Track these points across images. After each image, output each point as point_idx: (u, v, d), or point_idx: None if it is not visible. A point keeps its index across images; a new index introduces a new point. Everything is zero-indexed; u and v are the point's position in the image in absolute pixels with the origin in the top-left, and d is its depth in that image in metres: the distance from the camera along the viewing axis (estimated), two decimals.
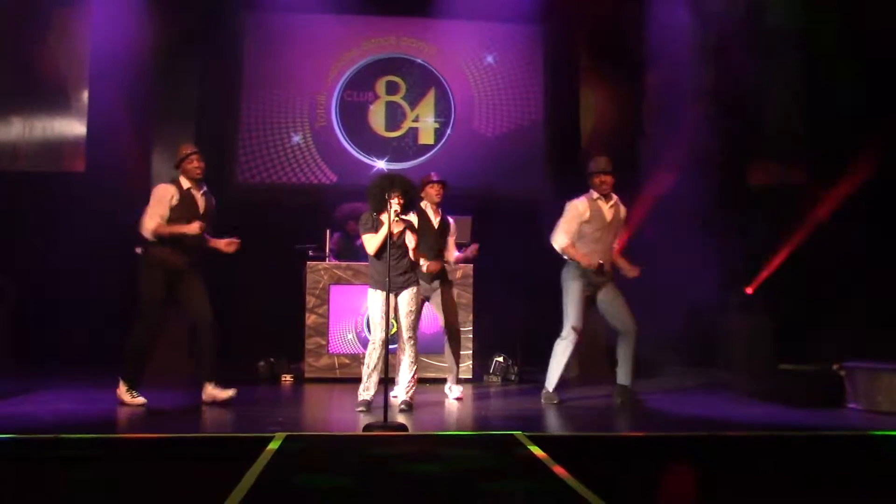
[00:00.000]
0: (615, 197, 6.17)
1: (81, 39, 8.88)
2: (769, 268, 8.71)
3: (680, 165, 8.89)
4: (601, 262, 5.97)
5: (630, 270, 6.12)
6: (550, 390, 6.14)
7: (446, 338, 6.42)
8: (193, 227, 5.74)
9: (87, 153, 8.78)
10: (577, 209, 6.07)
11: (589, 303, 6.12)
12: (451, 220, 6.55)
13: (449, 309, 6.41)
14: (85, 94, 8.85)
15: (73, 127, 8.84)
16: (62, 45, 8.84)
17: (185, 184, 5.89)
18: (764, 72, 8.91)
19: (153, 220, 5.73)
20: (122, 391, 5.76)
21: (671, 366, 8.57)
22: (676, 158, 8.94)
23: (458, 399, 6.35)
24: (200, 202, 5.94)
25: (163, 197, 5.80)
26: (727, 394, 6.81)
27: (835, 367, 6.20)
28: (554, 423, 5.43)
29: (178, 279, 5.83)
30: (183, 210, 5.81)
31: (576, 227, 6.06)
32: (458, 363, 6.49)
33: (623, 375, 6.10)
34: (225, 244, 6.01)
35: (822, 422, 5.33)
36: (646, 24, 9.24)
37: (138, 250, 5.85)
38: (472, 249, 6.65)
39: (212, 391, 5.83)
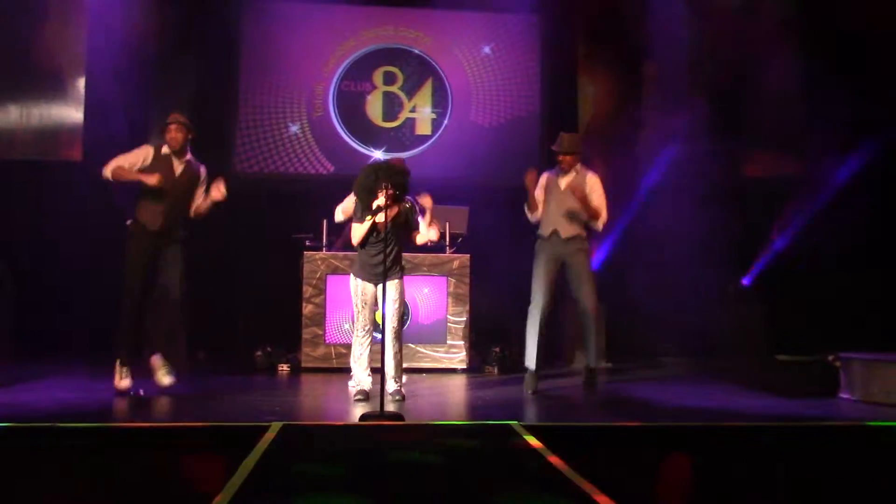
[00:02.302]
0: (579, 170, 6.28)
1: (78, 27, 8.85)
2: (765, 258, 8.73)
3: (677, 155, 8.90)
4: (555, 229, 6.18)
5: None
6: (531, 368, 6.17)
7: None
8: (152, 179, 5.68)
9: (84, 141, 8.76)
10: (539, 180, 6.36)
11: (556, 274, 6.23)
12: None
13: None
14: (82, 82, 8.82)
15: (70, 115, 8.82)
16: (59, 32, 8.81)
17: (166, 150, 5.90)
18: (761, 60, 8.90)
19: (115, 162, 5.74)
20: (115, 371, 5.76)
21: (668, 356, 8.61)
22: (673, 148, 8.95)
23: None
24: (177, 169, 5.90)
25: (138, 152, 5.84)
26: (723, 384, 6.82)
27: (830, 357, 6.21)
28: (550, 414, 5.45)
29: (159, 252, 5.83)
30: (155, 172, 5.77)
31: (539, 196, 6.31)
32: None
33: (588, 358, 6.29)
34: (214, 192, 5.91)
35: (818, 412, 5.35)
36: (643, 13, 9.22)
37: (129, 222, 5.90)
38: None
39: (156, 364, 5.83)
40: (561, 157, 6.27)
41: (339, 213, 6.30)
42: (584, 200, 6.12)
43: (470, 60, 9.77)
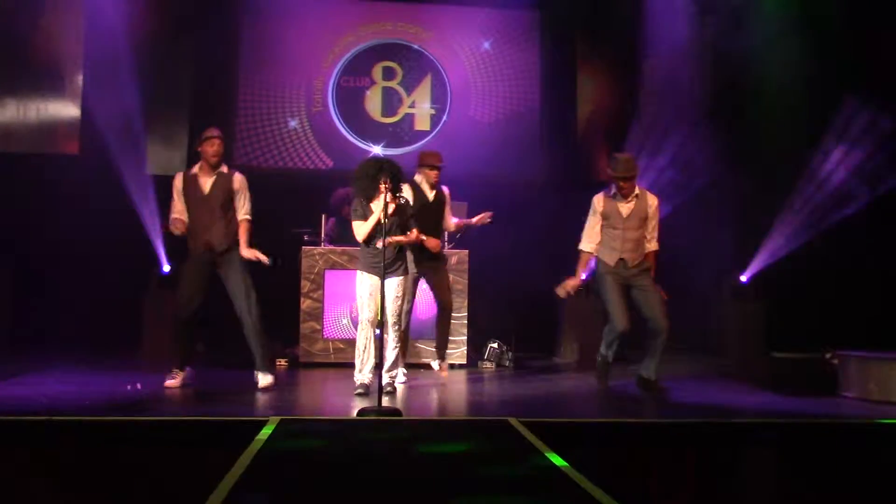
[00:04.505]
0: (639, 193, 6.04)
1: (76, 21, 8.82)
2: (763, 256, 8.73)
3: (676, 151, 8.90)
4: (621, 258, 5.98)
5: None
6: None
7: (438, 315, 6.52)
8: (175, 230, 5.84)
9: (82, 135, 8.75)
10: (592, 204, 6.12)
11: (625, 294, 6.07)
12: (445, 189, 6.57)
13: (443, 287, 6.49)
14: (80, 76, 8.80)
15: (68, 109, 8.80)
16: (57, 26, 8.79)
17: (195, 168, 5.98)
18: (761, 56, 8.89)
19: (172, 217, 5.91)
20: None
21: (665, 353, 8.59)
22: (672, 145, 8.94)
23: (442, 373, 6.57)
24: (206, 186, 5.92)
25: (175, 192, 5.96)
26: (720, 381, 6.83)
27: (827, 355, 6.22)
28: (547, 409, 5.45)
29: (216, 268, 5.93)
30: (188, 195, 5.90)
31: (595, 223, 6.08)
32: (446, 340, 6.61)
33: (646, 369, 6.03)
34: (247, 254, 5.95)
35: (815, 410, 5.35)
36: (643, 9, 9.22)
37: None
38: (486, 216, 6.68)
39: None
40: (622, 184, 5.94)
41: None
42: (646, 224, 6.01)
43: (469, 56, 9.76)
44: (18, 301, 8.08)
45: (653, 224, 6.05)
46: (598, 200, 6.08)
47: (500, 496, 3.15)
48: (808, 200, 8.66)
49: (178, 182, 5.95)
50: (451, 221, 6.64)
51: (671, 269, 8.02)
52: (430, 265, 6.41)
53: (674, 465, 4.07)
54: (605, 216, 6.03)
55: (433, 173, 6.42)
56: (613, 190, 6.03)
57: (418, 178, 6.45)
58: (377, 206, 5.52)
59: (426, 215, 6.26)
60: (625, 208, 5.99)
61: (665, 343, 5.95)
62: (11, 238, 8.11)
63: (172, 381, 5.87)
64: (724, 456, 4.34)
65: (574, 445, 4.05)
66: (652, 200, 6.06)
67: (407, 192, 6.03)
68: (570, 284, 6.06)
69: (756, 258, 8.66)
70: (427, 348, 7.29)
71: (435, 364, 6.78)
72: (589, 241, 6.09)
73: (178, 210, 5.90)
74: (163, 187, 8.49)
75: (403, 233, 5.75)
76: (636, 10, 9.26)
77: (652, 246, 6.07)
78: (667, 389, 5.98)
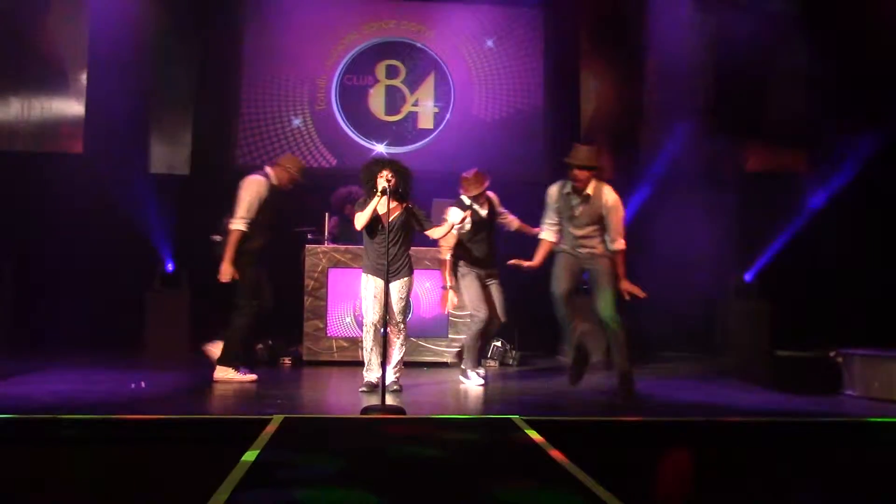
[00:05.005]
0: (594, 189, 5.65)
1: (81, 20, 8.82)
2: (767, 254, 8.72)
3: (679, 149, 8.88)
4: (574, 247, 5.70)
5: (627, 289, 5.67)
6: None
7: (484, 326, 6.27)
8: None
9: (86, 134, 8.74)
10: (546, 195, 5.81)
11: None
12: (492, 196, 6.40)
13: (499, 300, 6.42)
14: (83, 75, 8.80)
15: (72, 108, 8.80)
16: (61, 25, 8.78)
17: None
18: (765, 55, 8.88)
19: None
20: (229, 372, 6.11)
21: (669, 351, 8.60)
22: (676, 142, 8.93)
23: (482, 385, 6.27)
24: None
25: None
26: (724, 380, 6.82)
27: (832, 353, 6.21)
28: (551, 408, 5.44)
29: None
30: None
31: (552, 214, 5.79)
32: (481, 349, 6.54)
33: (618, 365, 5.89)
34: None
35: (819, 408, 5.34)
36: (646, 7, 9.19)
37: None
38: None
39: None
40: (577, 173, 5.57)
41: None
42: (601, 222, 5.65)
43: (472, 54, 9.74)
44: (21, 299, 8.09)
45: (614, 222, 5.63)
46: (551, 194, 5.77)
47: (503, 494, 3.15)
48: (810, 196, 8.67)
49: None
50: (516, 225, 6.46)
51: (675, 267, 8.04)
52: (488, 277, 6.34)
53: (677, 464, 4.07)
54: (557, 211, 5.74)
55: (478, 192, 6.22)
56: (568, 187, 5.68)
57: (467, 200, 6.27)
58: (382, 207, 5.54)
59: (482, 229, 6.25)
60: (577, 205, 5.65)
61: (614, 336, 5.68)
62: (15, 236, 8.12)
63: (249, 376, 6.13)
64: (727, 454, 4.33)
65: (578, 444, 4.04)
66: (608, 197, 5.62)
67: (456, 214, 6.02)
68: (525, 264, 5.78)
69: (760, 257, 8.66)
70: (432, 347, 7.29)
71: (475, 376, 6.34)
72: (549, 229, 5.81)
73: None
74: (166, 186, 8.53)
75: (408, 235, 5.80)
76: (640, 7, 9.24)
77: (618, 245, 5.66)
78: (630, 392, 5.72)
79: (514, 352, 7.64)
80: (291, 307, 7.40)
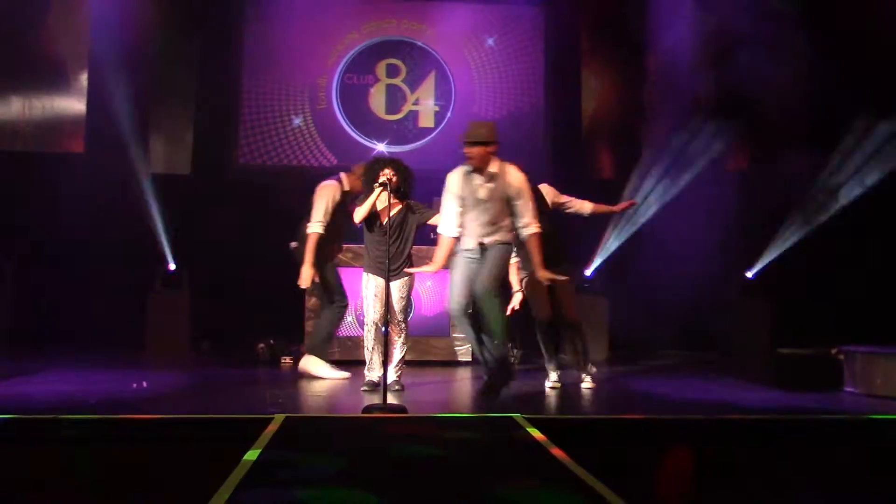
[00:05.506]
0: (497, 169, 5.17)
1: (82, 19, 8.83)
2: (769, 252, 8.72)
3: (680, 148, 8.88)
4: (481, 241, 5.19)
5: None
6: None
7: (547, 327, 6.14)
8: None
9: (87, 133, 8.76)
10: (446, 182, 5.29)
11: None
12: (545, 188, 6.04)
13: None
14: (84, 75, 8.81)
15: (73, 107, 8.81)
16: (62, 24, 8.80)
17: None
18: (767, 55, 8.87)
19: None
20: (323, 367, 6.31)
21: (670, 349, 8.60)
22: (677, 141, 8.93)
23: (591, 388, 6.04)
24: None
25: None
26: (726, 377, 6.82)
27: (833, 350, 6.20)
28: (553, 406, 5.44)
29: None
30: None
31: (451, 204, 5.26)
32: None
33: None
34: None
35: (820, 406, 5.33)
36: (647, 6, 9.19)
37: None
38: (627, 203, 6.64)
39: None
40: (466, 150, 5.10)
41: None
42: (508, 205, 5.19)
43: (473, 53, 9.74)
44: (22, 299, 8.09)
45: (525, 204, 5.19)
46: (452, 180, 5.24)
47: (505, 493, 3.14)
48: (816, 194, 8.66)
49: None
50: (580, 203, 6.11)
51: (677, 265, 8.04)
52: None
53: (679, 462, 4.06)
54: (460, 197, 5.20)
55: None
56: (470, 168, 5.17)
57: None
58: (381, 202, 5.55)
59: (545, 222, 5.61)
60: (482, 188, 5.15)
61: (488, 314, 5.23)
62: (16, 236, 8.13)
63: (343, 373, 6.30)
64: (728, 452, 4.33)
65: (580, 442, 4.04)
66: (514, 177, 5.17)
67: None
68: (423, 269, 5.42)
69: (763, 255, 8.65)
70: (432, 345, 7.29)
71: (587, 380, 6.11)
72: (448, 223, 5.26)
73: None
74: (167, 186, 8.53)
75: (409, 234, 5.82)
76: (640, 6, 9.23)
77: (531, 230, 5.21)
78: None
79: (515, 350, 7.62)
80: (293, 306, 7.39)
